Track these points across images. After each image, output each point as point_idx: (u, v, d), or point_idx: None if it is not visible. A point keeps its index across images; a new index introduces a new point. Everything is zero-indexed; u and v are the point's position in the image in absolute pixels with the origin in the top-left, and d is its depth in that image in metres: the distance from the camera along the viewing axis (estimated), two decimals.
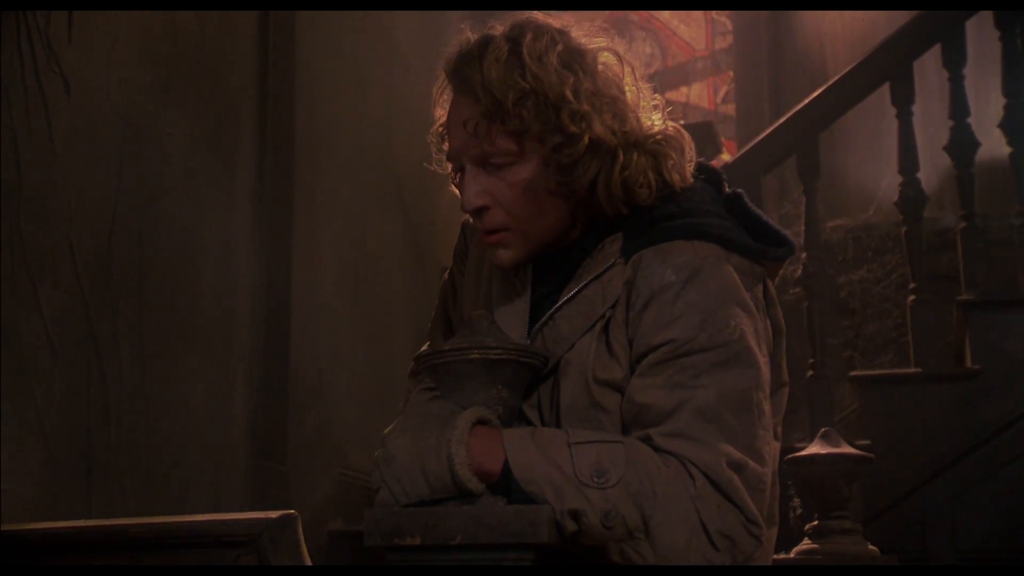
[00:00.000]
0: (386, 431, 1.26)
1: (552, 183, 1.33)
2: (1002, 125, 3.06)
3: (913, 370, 2.97)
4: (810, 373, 3.03)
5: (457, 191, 1.43)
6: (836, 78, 3.22)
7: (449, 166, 1.43)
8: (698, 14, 4.81)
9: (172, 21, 2.88)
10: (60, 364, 2.47)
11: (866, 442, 2.79)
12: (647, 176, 1.33)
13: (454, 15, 4.17)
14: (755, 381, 1.27)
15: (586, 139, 1.31)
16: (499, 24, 1.39)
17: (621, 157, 1.32)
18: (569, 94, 1.31)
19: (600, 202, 1.34)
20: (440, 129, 1.44)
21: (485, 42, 1.36)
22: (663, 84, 4.77)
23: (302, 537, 1.42)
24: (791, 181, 3.70)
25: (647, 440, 1.25)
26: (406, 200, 3.76)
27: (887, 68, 3.14)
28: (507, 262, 1.38)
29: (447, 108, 1.40)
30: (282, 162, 3.13)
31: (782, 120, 3.27)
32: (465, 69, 1.35)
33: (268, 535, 1.37)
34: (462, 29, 1.41)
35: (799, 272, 3.21)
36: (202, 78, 2.96)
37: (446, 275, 1.59)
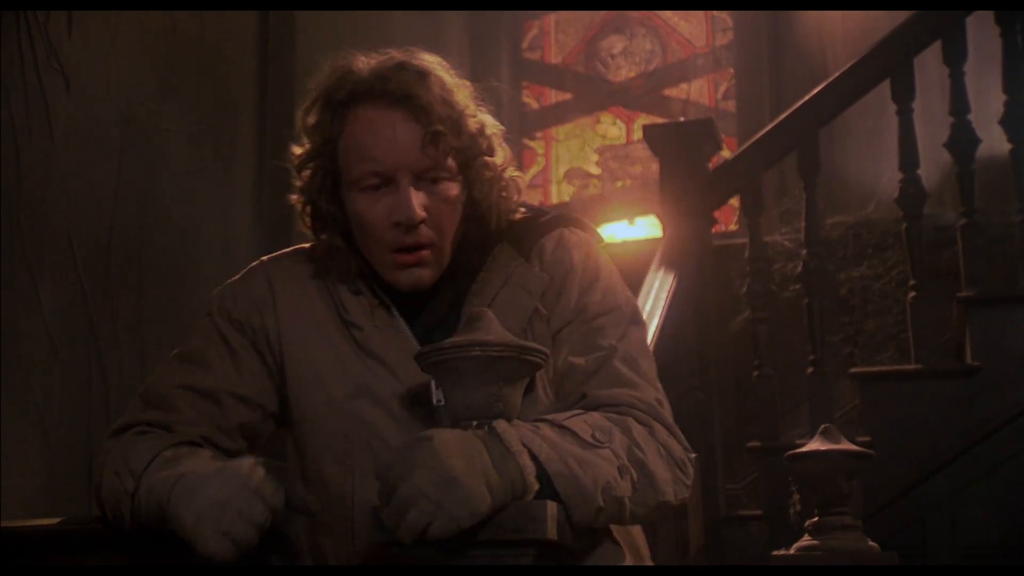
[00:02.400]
0: (396, 467, 1.17)
1: (461, 204, 1.44)
2: (1003, 122, 3.06)
3: (913, 367, 2.97)
4: (810, 370, 3.03)
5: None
6: (836, 74, 3.21)
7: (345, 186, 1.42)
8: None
9: (171, 18, 2.88)
10: (60, 360, 2.47)
11: (866, 438, 2.79)
12: (519, 193, 1.50)
13: (452, 12, 4.17)
14: (647, 334, 1.51)
15: (498, 162, 1.46)
16: (391, 52, 1.47)
17: (506, 179, 1.48)
18: (484, 121, 1.46)
19: (486, 220, 1.46)
20: (320, 149, 1.43)
21: (418, 64, 1.44)
22: (663, 81, 4.77)
23: None
24: (791, 177, 3.69)
25: (582, 397, 1.39)
26: None
27: (887, 64, 3.14)
28: (426, 282, 1.43)
29: (352, 126, 1.42)
30: (281, 158, 3.12)
31: (782, 117, 3.26)
32: (407, 87, 1.40)
33: None
34: (349, 55, 1.46)
35: (799, 269, 3.21)
36: (202, 75, 2.97)
37: (217, 323, 1.48)
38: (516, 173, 1.50)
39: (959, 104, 3.08)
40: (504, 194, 1.47)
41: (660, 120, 4.49)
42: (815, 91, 3.20)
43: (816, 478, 1.84)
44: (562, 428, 1.31)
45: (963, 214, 3.06)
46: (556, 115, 4.89)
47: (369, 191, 1.41)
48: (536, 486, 1.23)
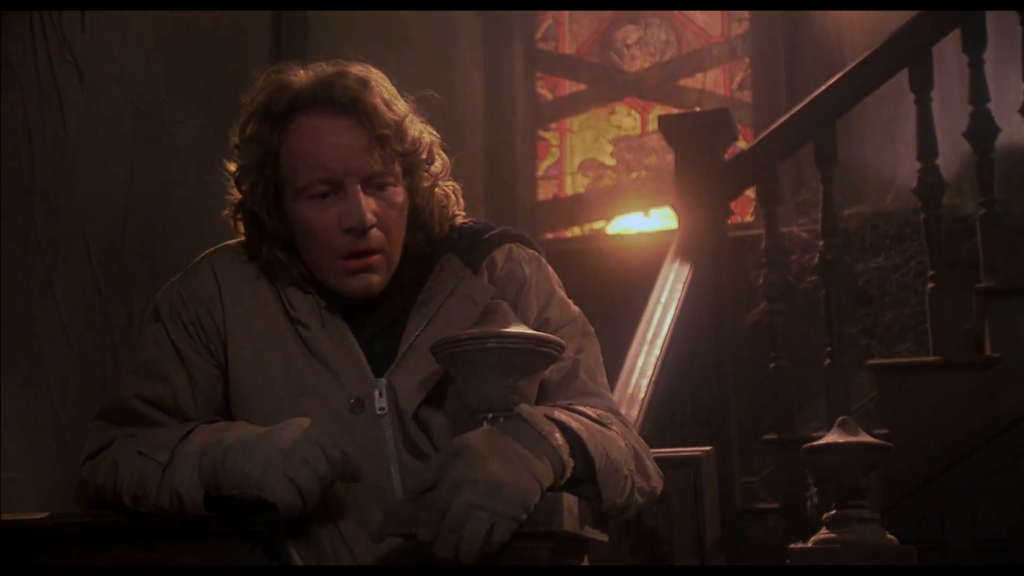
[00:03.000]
0: (439, 492, 1.17)
1: (407, 210, 1.47)
2: (1022, 110, 3.04)
3: (932, 358, 2.96)
4: (827, 362, 3.02)
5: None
6: (853, 64, 3.20)
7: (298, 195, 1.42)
8: None
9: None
10: (75, 354, 2.48)
11: (884, 431, 2.78)
12: (458, 202, 1.53)
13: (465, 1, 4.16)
14: (599, 346, 1.52)
15: (436, 170, 1.49)
16: (323, 64, 1.47)
17: (444, 187, 1.51)
18: (423, 129, 1.48)
19: (429, 228, 1.49)
20: (261, 161, 1.43)
21: (358, 72, 1.45)
22: (678, 71, 4.75)
23: None
24: (808, 168, 3.68)
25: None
26: None
27: (905, 53, 3.12)
28: (376, 287, 1.44)
29: (296, 135, 1.42)
30: None
31: (799, 107, 3.25)
32: (351, 93, 1.42)
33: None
34: (281, 68, 1.46)
35: (816, 260, 3.20)
36: (214, 66, 2.97)
37: (169, 331, 1.47)
38: (451, 183, 1.53)
39: (978, 93, 3.06)
40: (444, 202, 1.51)
41: (675, 111, 4.48)
42: (832, 81, 3.19)
43: (833, 471, 1.84)
44: (573, 410, 1.33)
45: (982, 204, 3.04)
46: (570, 106, 4.88)
47: (317, 198, 1.42)
48: (571, 463, 1.24)
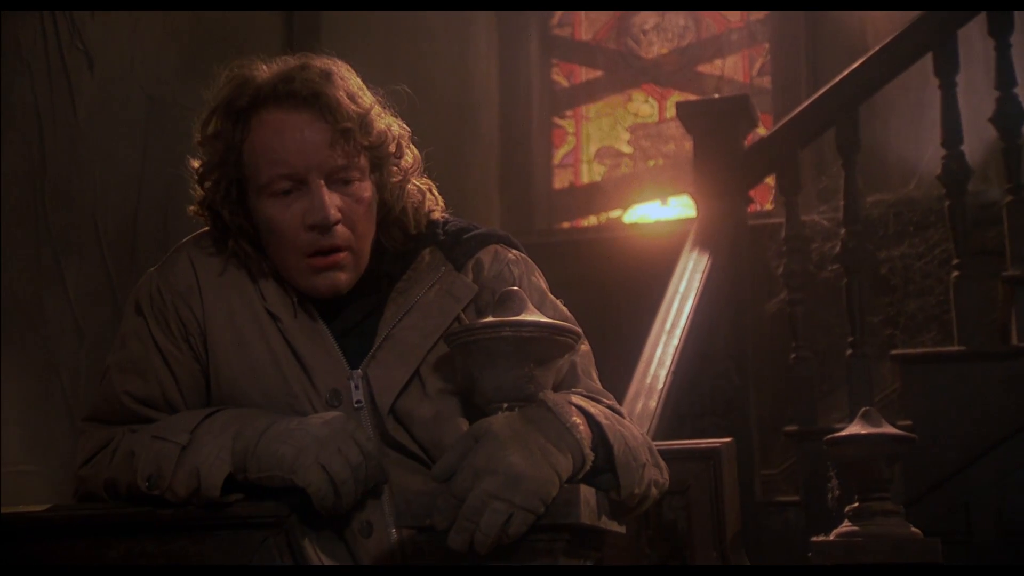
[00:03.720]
0: (458, 479, 1.18)
1: (375, 206, 1.44)
2: None
3: (956, 348, 2.93)
4: (849, 352, 3.00)
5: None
6: (876, 48, 3.16)
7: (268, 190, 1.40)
8: None
9: None
10: (86, 344, 2.48)
11: (908, 422, 2.76)
12: (433, 197, 1.52)
13: None
14: (588, 344, 1.49)
15: (406, 164, 1.47)
16: (287, 58, 1.46)
17: (415, 183, 1.49)
18: (390, 122, 1.46)
19: (404, 225, 1.47)
20: (224, 158, 1.42)
21: (321, 64, 1.43)
22: (697, 57, 4.72)
23: None
24: (830, 155, 3.65)
25: None
26: (431, 174, 3.75)
27: (930, 37, 3.08)
28: (344, 286, 1.42)
29: (258, 131, 1.40)
30: None
31: (820, 92, 3.21)
32: (312, 86, 1.40)
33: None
34: (244, 63, 1.45)
35: (838, 248, 3.18)
36: (227, 52, 2.96)
37: (150, 327, 1.45)
38: (425, 180, 1.51)
39: (1005, 77, 3.02)
40: (419, 198, 1.49)
41: (693, 97, 4.46)
42: (854, 66, 3.15)
43: (856, 463, 1.82)
44: (592, 397, 1.34)
45: (1009, 191, 3.01)
46: (587, 93, 4.86)
47: (280, 195, 1.40)
48: (592, 456, 1.24)
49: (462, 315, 1.45)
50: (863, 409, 1.86)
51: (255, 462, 1.32)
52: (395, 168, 1.46)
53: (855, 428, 1.83)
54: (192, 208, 1.49)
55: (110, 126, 2.60)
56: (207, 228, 1.51)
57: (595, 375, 1.49)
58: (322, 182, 1.40)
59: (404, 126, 1.49)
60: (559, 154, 4.84)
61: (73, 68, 2.47)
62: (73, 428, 2.42)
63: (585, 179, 4.81)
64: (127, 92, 2.66)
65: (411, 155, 1.49)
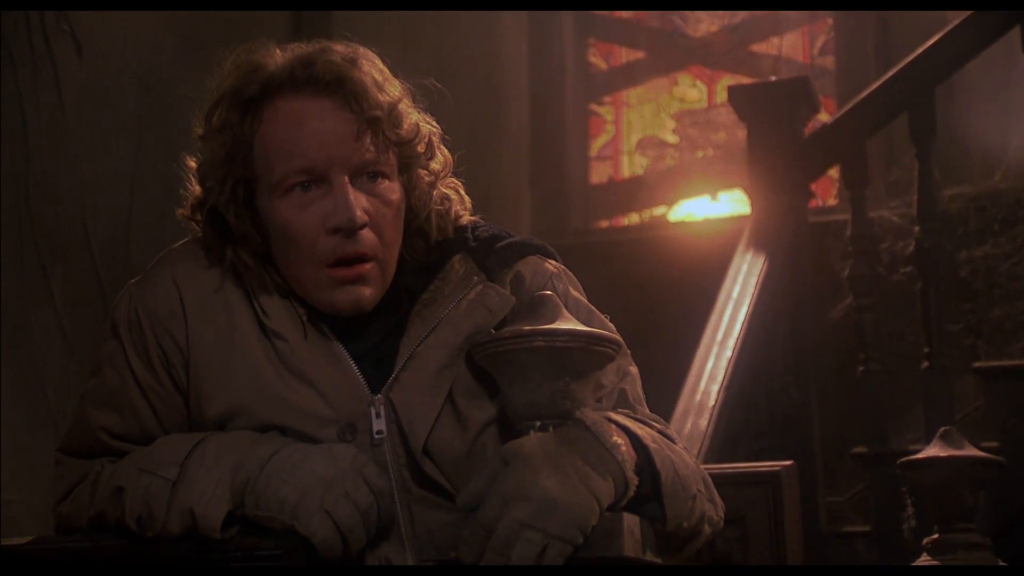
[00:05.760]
0: (486, 506, 1.18)
1: (404, 211, 1.41)
2: None
3: None
4: (925, 364, 2.99)
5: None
6: (956, 22, 3.15)
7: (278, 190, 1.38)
8: None
9: None
10: (75, 360, 2.51)
11: (993, 444, 2.74)
12: (463, 204, 1.48)
13: None
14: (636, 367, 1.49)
15: (437, 167, 1.44)
16: (304, 44, 1.42)
17: (441, 189, 1.46)
18: (421, 118, 1.42)
19: (427, 233, 1.43)
20: (230, 154, 1.38)
21: (345, 49, 1.40)
22: (750, 35, 4.71)
23: None
24: (902, 143, 3.63)
25: None
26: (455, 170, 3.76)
27: (1017, 10, 3.06)
28: (367, 303, 1.38)
29: (272, 122, 1.37)
30: None
31: (891, 73, 3.21)
32: (336, 69, 1.37)
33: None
34: (256, 47, 1.42)
35: (911, 248, 3.16)
36: (229, 36, 2.99)
37: (128, 356, 1.42)
38: (451, 180, 1.48)
39: None
40: (445, 205, 1.45)
41: (747, 80, 4.44)
42: (930, 42, 3.14)
43: (935, 489, 1.82)
44: (637, 417, 1.32)
45: None
46: (627, 76, 4.86)
47: (296, 194, 1.36)
48: (636, 480, 1.23)
49: (493, 332, 1.39)
50: (942, 429, 1.85)
51: (254, 498, 1.30)
52: (425, 171, 1.43)
53: (933, 450, 1.82)
54: (182, 212, 1.46)
55: (100, 118, 2.63)
56: (196, 236, 1.47)
57: (644, 400, 1.46)
58: (346, 179, 1.36)
59: (434, 124, 1.45)
60: (596, 145, 4.84)
61: (59, 53, 2.51)
62: None
63: (626, 173, 4.81)
64: (119, 80, 2.69)
65: (442, 157, 1.46)
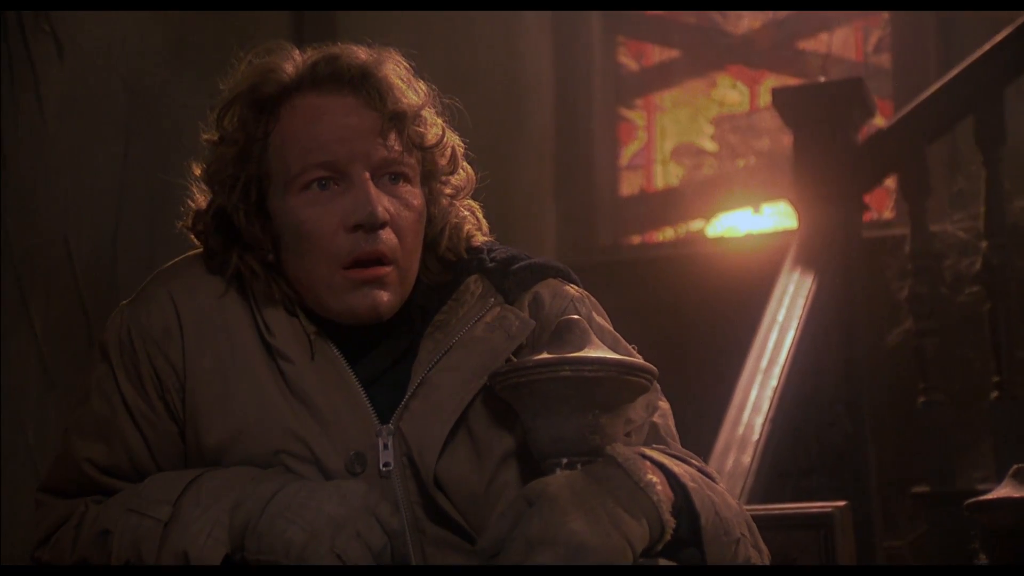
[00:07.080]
0: (510, 551, 1.19)
1: (424, 220, 1.44)
2: None
3: None
4: (995, 394, 2.99)
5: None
6: None
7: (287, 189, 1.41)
8: None
9: None
10: (56, 392, 2.52)
11: None
12: (480, 222, 1.52)
13: None
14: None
15: (461, 180, 1.49)
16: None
17: (461, 206, 1.50)
18: (445, 128, 1.47)
19: (439, 247, 1.46)
20: (244, 153, 1.41)
21: (374, 52, 1.45)
22: (797, 30, 4.72)
23: None
24: (967, 150, 3.63)
25: None
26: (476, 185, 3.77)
27: None
28: (386, 309, 1.40)
29: (290, 119, 1.41)
30: None
31: (954, 72, 3.22)
32: (359, 65, 1.41)
33: None
34: (273, 47, 1.46)
35: (978, 265, 3.15)
36: (224, 36, 3.01)
37: (119, 381, 1.43)
38: (469, 201, 1.51)
39: None
40: (461, 224, 1.49)
41: (793, 81, 4.45)
42: (998, 38, 3.15)
43: (1008, 532, 1.81)
44: (672, 453, 1.33)
45: None
46: (661, 78, 4.88)
47: (313, 191, 1.39)
48: (673, 523, 1.24)
49: (512, 358, 1.42)
50: (1015, 467, 1.84)
51: (255, 540, 1.31)
52: (446, 183, 1.47)
53: (1005, 490, 1.81)
54: (182, 224, 1.48)
55: (84, 125, 2.65)
56: (194, 252, 1.49)
57: (676, 433, 1.48)
58: (367, 175, 1.39)
59: (459, 140, 1.50)
60: (627, 153, 4.85)
61: (39, 55, 2.52)
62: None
63: (659, 183, 4.82)
64: (105, 84, 2.71)
65: (464, 174, 1.50)
